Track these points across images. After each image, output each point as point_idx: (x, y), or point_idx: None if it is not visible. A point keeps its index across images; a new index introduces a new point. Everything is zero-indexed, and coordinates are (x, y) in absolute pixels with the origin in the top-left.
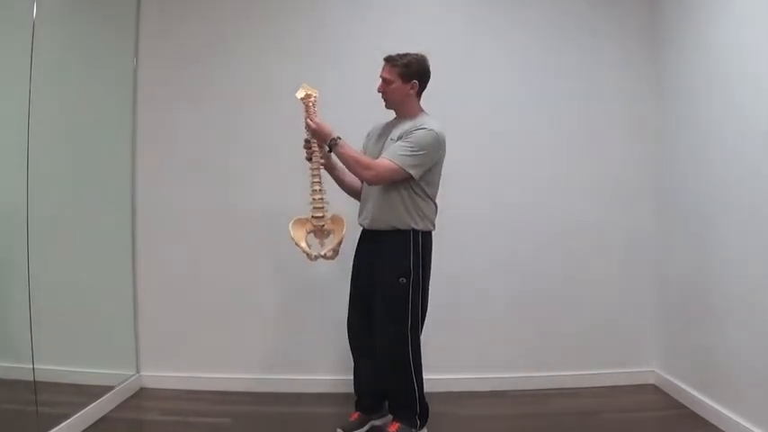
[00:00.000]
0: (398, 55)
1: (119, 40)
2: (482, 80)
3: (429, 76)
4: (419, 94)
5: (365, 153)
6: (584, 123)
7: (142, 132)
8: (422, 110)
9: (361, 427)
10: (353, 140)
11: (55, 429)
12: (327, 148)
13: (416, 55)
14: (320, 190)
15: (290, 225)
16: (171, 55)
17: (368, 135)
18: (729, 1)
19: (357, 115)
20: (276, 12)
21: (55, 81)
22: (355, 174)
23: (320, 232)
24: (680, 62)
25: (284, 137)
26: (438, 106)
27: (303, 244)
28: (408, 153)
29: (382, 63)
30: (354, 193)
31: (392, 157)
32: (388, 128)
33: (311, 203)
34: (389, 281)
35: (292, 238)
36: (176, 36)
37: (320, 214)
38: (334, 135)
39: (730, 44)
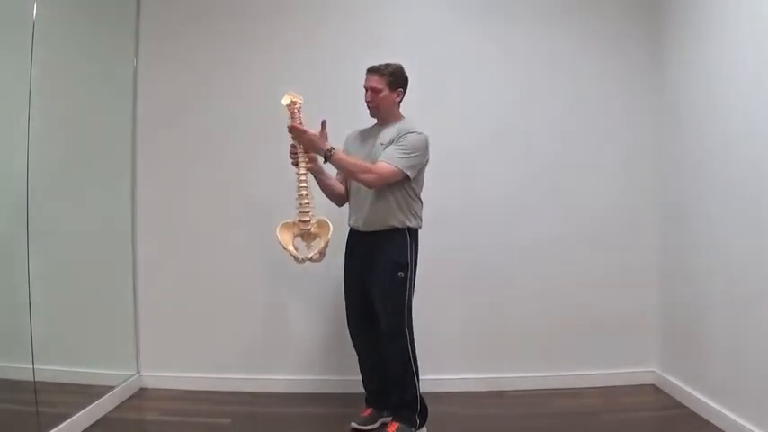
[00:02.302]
0: (383, 65)
1: (119, 40)
2: (481, 81)
3: (408, 83)
4: (400, 101)
5: None
6: (585, 124)
7: (142, 132)
8: (402, 114)
9: (374, 422)
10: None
11: (55, 429)
12: (323, 159)
13: (397, 64)
14: (307, 195)
15: (278, 229)
16: (171, 55)
17: (346, 141)
18: (731, 5)
19: (354, 115)
20: (276, 11)
21: (55, 81)
22: (355, 178)
23: (307, 236)
24: (682, 64)
25: (282, 137)
26: (438, 108)
27: (290, 247)
28: (404, 155)
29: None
30: (335, 198)
31: (390, 160)
32: (370, 133)
33: (298, 208)
34: (389, 276)
35: (279, 242)
36: (176, 36)
37: (307, 218)
38: (328, 146)
39: (732, 46)
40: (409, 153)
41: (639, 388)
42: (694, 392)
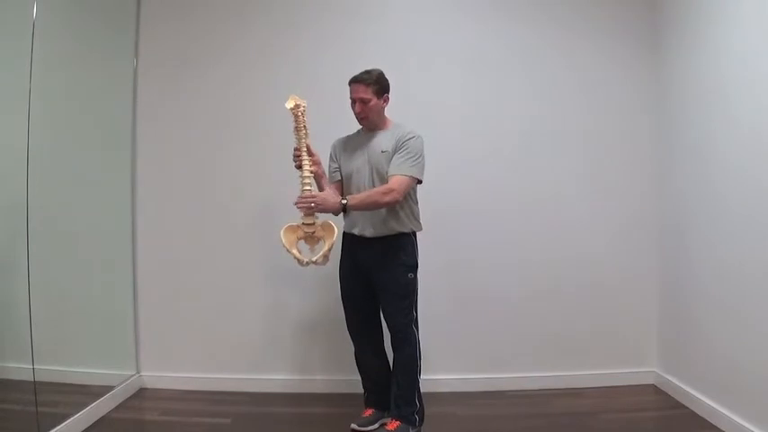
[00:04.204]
0: (365, 73)
1: (119, 40)
2: (481, 83)
3: (390, 86)
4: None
5: (338, 170)
6: (587, 133)
7: (142, 132)
8: (389, 118)
9: (375, 423)
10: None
11: (55, 429)
12: (342, 212)
13: (378, 70)
14: None
15: (282, 232)
16: (171, 55)
17: (334, 150)
18: (730, 13)
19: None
20: (276, 13)
21: (55, 81)
22: (379, 205)
23: (311, 239)
24: (681, 71)
25: (284, 137)
26: (438, 111)
27: (294, 250)
28: (415, 162)
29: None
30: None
31: (402, 171)
32: (361, 140)
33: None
34: (400, 278)
35: (284, 245)
36: (176, 36)
37: (311, 221)
38: (339, 200)
39: (729, 56)
40: (417, 159)
41: (639, 388)
42: (694, 392)
